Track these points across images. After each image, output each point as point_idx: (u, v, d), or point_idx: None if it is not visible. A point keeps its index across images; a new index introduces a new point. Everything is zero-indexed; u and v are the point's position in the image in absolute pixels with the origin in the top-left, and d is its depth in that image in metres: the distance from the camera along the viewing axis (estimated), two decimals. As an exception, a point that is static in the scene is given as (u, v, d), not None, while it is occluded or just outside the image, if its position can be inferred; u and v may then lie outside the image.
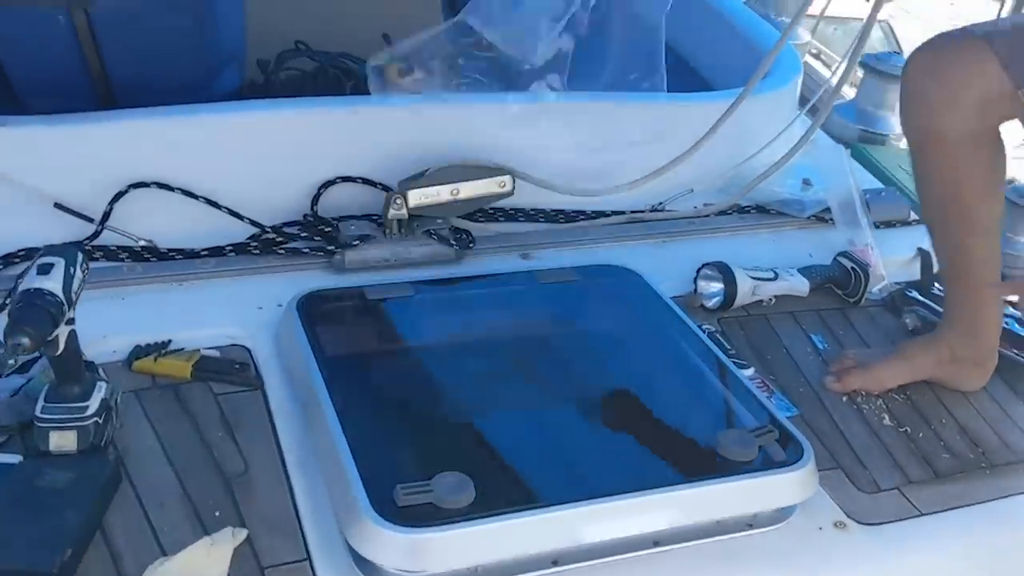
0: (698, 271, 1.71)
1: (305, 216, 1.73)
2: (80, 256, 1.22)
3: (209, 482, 1.25)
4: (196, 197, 1.65)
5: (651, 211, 1.92)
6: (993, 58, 1.39)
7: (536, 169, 1.81)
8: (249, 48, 2.02)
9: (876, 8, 2.13)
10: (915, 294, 1.82)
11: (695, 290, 1.70)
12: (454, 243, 1.71)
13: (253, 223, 1.68)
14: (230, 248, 1.65)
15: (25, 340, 1.10)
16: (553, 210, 1.87)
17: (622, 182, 1.88)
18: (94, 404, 1.24)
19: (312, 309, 1.49)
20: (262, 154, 1.71)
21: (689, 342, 1.51)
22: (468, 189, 1.72)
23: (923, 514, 1.36)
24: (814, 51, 3.65)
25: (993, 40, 1.39)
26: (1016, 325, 1.78)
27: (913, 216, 2.03)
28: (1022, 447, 1.51)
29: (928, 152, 1.51)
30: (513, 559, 1.15)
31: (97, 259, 1.58)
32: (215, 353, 1.45)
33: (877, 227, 1.93)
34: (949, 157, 1.48)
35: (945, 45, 1.47)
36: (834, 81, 2.04)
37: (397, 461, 1.26)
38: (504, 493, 1.19)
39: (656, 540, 1.21)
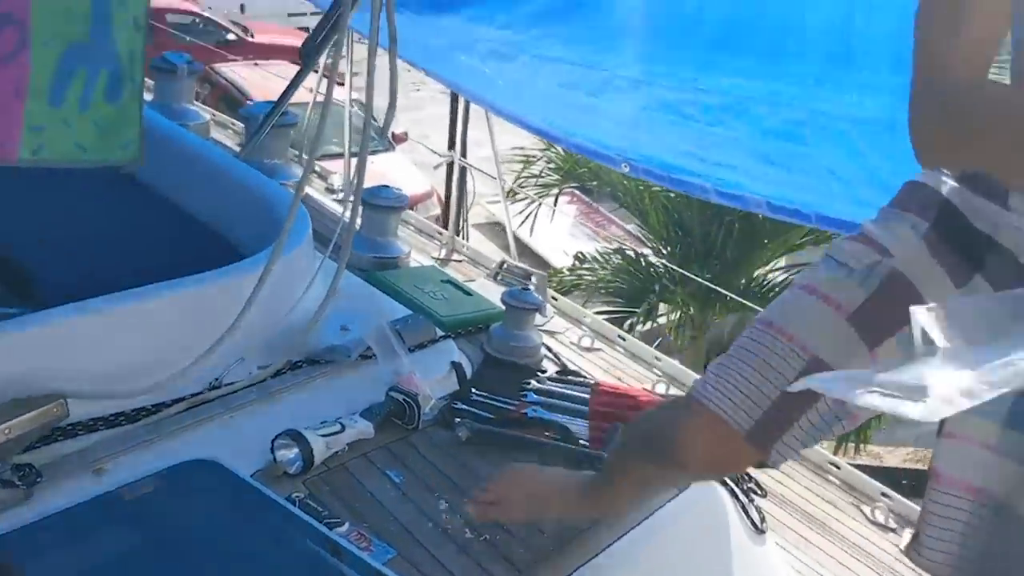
0: (273, 442, 1.81)
1: None
2: None
3: None
4: None
5: (210, 389, 1.98)
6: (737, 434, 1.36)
7: (87, 382, 1.79)
8: None
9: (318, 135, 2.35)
10: (460, 405, 2.09)
11: (275, 459, 1.81)
12: (19, 483, 1.65)
13: None
14: None
15: None
16: (112, 415, 1.85)
17: (175, 370, 1.92)
18: None
19: None
20: None
21: (283, 522, 1.62)
22: (20, 425, 1.67)
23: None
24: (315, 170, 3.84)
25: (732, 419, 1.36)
26: (543, 411, 2.12)
27: (439, 332, 2.32)
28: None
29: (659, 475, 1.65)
30: None
31: None
32: None
33: (412, 351, 2.18)
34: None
35: (693, 437, 1.42)
36: (347, 216, 2.26)
37: None
38: None
39: None
